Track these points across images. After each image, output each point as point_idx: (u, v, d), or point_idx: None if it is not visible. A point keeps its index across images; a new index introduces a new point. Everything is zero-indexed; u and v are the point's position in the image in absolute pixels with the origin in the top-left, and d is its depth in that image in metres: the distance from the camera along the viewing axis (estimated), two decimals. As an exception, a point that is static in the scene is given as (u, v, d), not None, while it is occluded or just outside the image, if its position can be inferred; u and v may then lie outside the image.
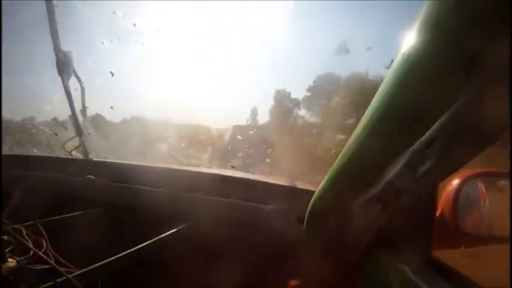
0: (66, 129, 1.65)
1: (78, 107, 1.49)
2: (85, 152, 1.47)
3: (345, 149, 0.58)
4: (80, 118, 1.51)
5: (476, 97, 0.36)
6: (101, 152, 1.61)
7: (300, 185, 1.14)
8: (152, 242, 0.90)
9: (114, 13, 1.61)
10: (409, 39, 0.37)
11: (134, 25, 1.61)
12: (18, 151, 1.76)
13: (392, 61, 0.45)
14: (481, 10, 0.28)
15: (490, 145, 0.42)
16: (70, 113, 1.48)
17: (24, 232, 0.65)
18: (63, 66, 1.39)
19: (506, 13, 0.26)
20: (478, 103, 0.36)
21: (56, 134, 1.78)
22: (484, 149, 0.43)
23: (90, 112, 1.52)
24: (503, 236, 0.52)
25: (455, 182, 0.58)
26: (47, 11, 1.30)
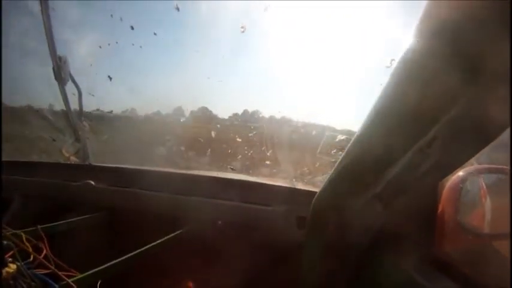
0: (64, 134, 1.64)
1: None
2: (84, 157, 1.47)
3: (347, 149, 0.58)
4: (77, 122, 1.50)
5: (476, 96, 0.36)
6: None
7: (300, 185, 1.13)
8: (152, 246, 0.90)
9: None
10: (411, 39, 0.37)
11: (132, 28, 1.60)
12: (17, 157, 1.75)
13: (392, 60, 0.45)
14: (481, 10, 0.28)
15: (490, 143, 0.43)
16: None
17: (24, 237, 0.64)
18: (60, 71, 1.39)
19: (507, 13, 0.26)
20: (478, 102, 0.36)
21: (54, 140, 1.77)
22: (484, 147, 0.44)
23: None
24: (506, 233, 0.52)
25: (456, 179, 0.58)
26: (42, 16, 1.30)
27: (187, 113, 2.79)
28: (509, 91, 0.32)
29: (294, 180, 1.24)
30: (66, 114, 1.47)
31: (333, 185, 0.67)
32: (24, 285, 0.51)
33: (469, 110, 0.38)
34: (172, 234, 0.99)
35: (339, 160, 0.61)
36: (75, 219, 1.05)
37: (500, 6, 0.27)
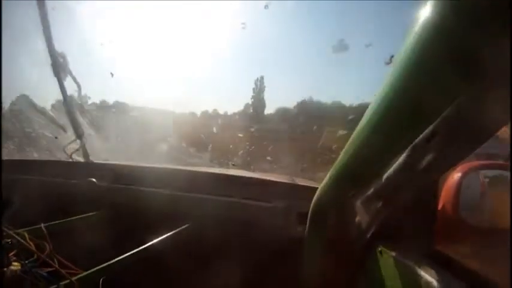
0: (65, 131, 1.64)
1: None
2: (86, 154, 1.47)
3: (347, 145, 0.58)
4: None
5: (476, 92, 0.36)
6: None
7: (301, 181, 1.14)
8: (154, 243, 0.91)
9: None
10: (410, 36, 0.37)
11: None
12: (18, 156, 1.75)
13: (391, 56, 0.45)
14: (481, 8, 0.28)
15: (489, 139, 0.43)
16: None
17: (27, 236, 0.65)
18: (59, 67, 1.39)
19: (506, 12, 0.26)
20: (478, 98, 0.36)
21: (56, 137, 1.77)
22: (483, 143, 0.44)
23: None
24: (506, 228, 0.52)
25: (457, 175, 0.58)
26: (40, 14, 1.29)
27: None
28: (509, 88, 0.32)
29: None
30: (67, 111, 1.47)
31: (333, 181, 0.67)
32: (28, 284, 0.52)
33: (469, 105, 0.38)
34: (175, 231, 1.00)
35: (340, 156, 0.61)
36: (78, 217, 1.05)
37: (500, 4, 0.27)
